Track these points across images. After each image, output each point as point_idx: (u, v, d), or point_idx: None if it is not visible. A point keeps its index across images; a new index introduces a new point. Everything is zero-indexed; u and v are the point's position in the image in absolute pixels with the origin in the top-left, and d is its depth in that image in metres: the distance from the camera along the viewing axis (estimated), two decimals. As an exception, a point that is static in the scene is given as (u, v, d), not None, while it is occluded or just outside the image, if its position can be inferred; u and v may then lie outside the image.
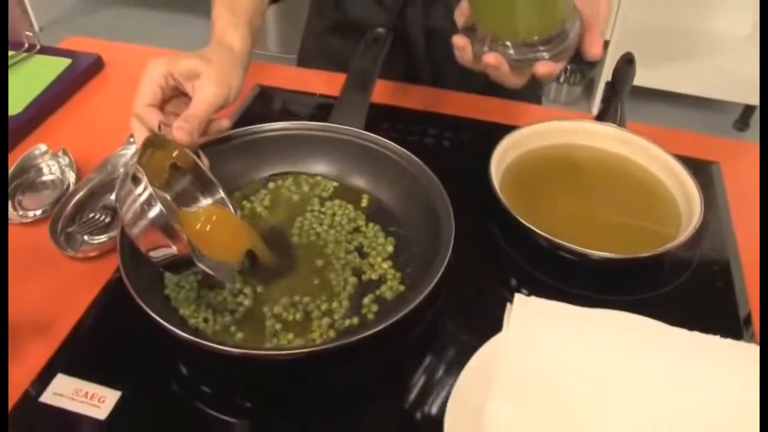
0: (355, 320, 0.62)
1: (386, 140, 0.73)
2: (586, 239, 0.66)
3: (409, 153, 0.72)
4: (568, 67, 2.53)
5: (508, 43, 0.63)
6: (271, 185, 0.75)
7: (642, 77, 2.34)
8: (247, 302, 0.63)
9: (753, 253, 0.73)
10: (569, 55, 0.65)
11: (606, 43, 2.27)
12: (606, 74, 2.31)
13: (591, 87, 2.51)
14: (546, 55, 0.63)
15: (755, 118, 2.42)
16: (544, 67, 0.64)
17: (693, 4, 2.42)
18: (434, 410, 0.56)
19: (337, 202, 0.73)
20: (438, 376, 0.59)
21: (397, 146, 0.72)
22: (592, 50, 0.66)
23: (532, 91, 1.13)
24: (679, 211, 0.74)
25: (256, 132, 0.75)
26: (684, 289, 0.70)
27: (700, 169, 0.82)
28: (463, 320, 0.65)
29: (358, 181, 0.75)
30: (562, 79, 2.53)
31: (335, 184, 0.76)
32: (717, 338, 0.60)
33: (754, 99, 2.32)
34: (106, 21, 2.98)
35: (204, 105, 0.65)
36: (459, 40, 0.65)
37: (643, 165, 0.79)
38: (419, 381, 0.59)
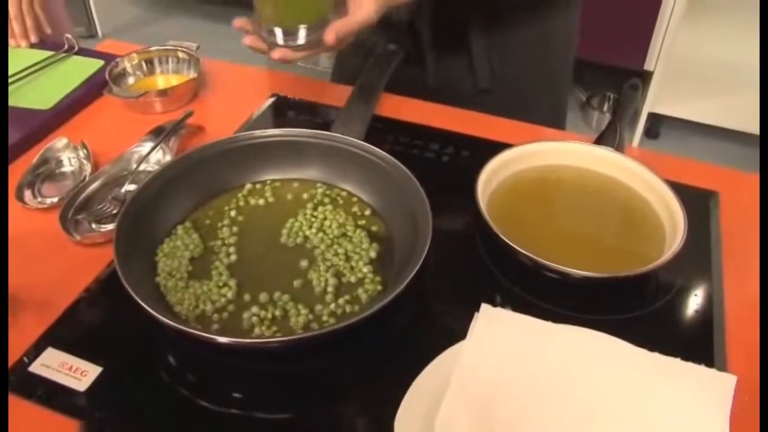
0: (331, 320, 0.65)
1: (379, 150, 0.76)
2: (569, 258, 0.68)
3: (397, 162, 0.74)
4: (610, 96, 2.52)
5: (276, 29, 0.74)
6: (267, 188, 0.79)
7: (684, 109, 2.34)
8: (229, 294, 0.66)
9: (738, 285, 0.73)
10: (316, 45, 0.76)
11: (650, 75, 2.26)
12: (649, 105, 2.30)
13: (635, 118, 2.49)
14: (302, 41, 0.75)
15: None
16: (278, 53, 0.75)
17: (736, 38, 2.38)
18: (388, 412, 0.58)
19: (329, 207, 0.76)
20: (399, 379, 0.60)
21: (388, 156, 0.75)
22: (327, 36, 0.74)
23: (556, 117, 1.14)
24: (664, 235, 0.74)
25: (257, 137, 0.79)
26: (663, 312, 0.70)
27: (698, 198, 0.83)
28: (436, 329, 0.67)
29: (350, 188, 0.79)
30: (606, 108, 2.53)
31: (328, 189, 0.79)
32: (678, 361, 0.61)
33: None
34: (168, 29, 3.11)
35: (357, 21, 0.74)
36: (236, 23, 0.77)
37: (632, 188, 0.80)
38: (381, 381, 0.62)
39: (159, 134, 0.85)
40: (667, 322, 0.69)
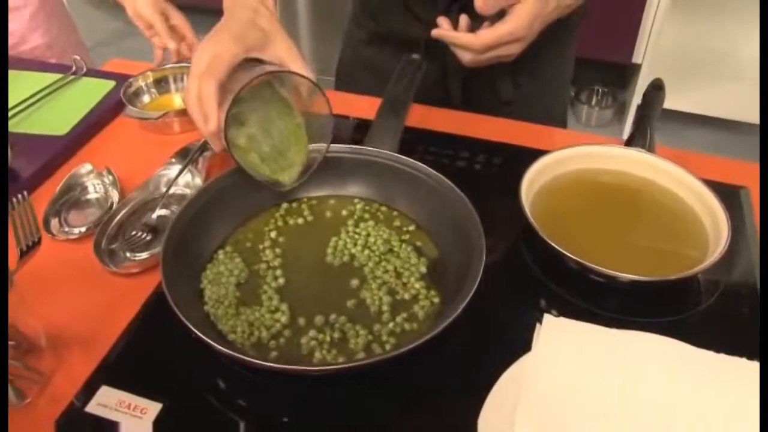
0: (391, 339, 0.64)
1: (419, 163, 0.75)
2: (614, 262, 0.67)
3: (440, 175, 0.73)
4: (599, 90, 2.54)
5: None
6: (304, 207, 0.78)
7: (672, 101, 2.36)
8: (283, 319, 0.65)
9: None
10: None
11: (638, 67, 2.28)
12: (638, 97, 2.32)
13: (623, 110, 2.51)
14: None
15: (788, 142, 2.40)
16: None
17: (722, 29, 2.42)
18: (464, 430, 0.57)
19: (370, 223, 0.75)
20: (468, 395, 0.59)
21: (430, 169, 0.74)
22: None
23: (559, 114, 1.15)
24: (707, 235, 0.74)
25: None
26: (711, 312, 0.70)
27: (728, 194, 0.83)
28: (494, 340, 0.66)
29: (392, 203, 0.78)
30: (594, 102, 2.54)
31: (367, 205, 0.78)
32: (743, 360, 0.60)
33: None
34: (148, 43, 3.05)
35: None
36: None
37: (670, 189, 0.80)
38: (449, 400, 0.61)
39: (185, 156, 0.83)
40: (715, 322, 0.69)
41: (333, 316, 0.65)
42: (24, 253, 0.58)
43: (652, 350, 0.61)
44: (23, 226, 0.58)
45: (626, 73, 2.53)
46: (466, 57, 0.81)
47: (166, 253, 0.65)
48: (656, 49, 2.20)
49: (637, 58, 2.26)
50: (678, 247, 0.75)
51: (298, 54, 0.73)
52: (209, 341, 0.57)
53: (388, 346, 0.62)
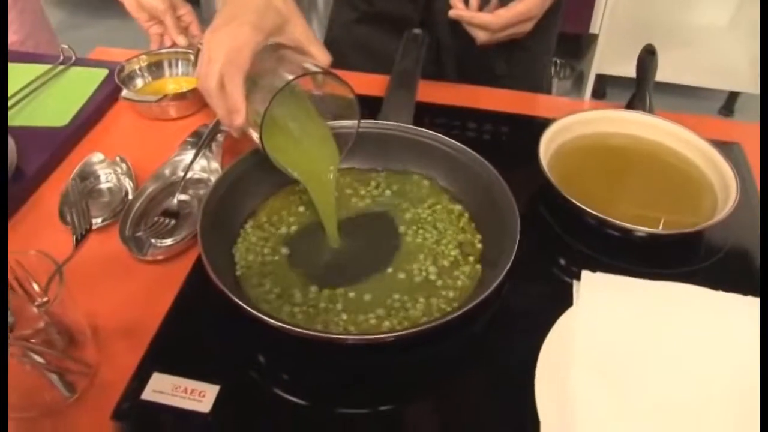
0: (441, 303, 0.65)
1: (440, 134, 0.77)
2: (630, 218, 0.70)
3: (462, 145, 0.76)
4: (558, 61, 2.58)
5: None
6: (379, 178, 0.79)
7: (628, 68, 2.42)
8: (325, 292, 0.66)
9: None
10: None
11: (594, 37, 2.34)
12: (596, 67, 2.37)
13: (581, 79, 2.56)
14: None
15: (740, 104, 2.50)
16: None
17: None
18: (519, 384, 0.59)
19: (400, 195, 0.77)
20: (518, 351, 0.61)
21: (450, 139, 0.76)
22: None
23: (546, 85, 1.18)
24: (714, 190, 0.78)
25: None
26: (722, 263, 0.74)
27: (725, 150, 0.87)
28: (530, 298, 0.69)
29: (418, 172, 0.79)
30: (552, 73, 2.59)
31: (395, 175, 0.79)
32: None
33: (738, 86, 2.40)
34: (99, 32, 2.96)
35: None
36: None
37: (674, 149, 0.83)
38: (501, 357, 0.63)
39: (198, 140, 0.82)
40: (725, 272, 0.73)
41: (387, 289, 0.66)
42: (78, 241, 0.57)
43: (683, 296, 0.65)
44: (78, 214, 0.56)
45: (581, 43, 2.58)
46: (481, 36, 0.82)
47: (203, 230, 0.65)
48: (612, 18, 2.26)
49: (594, 29, 2.32)
50: (688, 202, 0.78)
51: (314, 35, 0.71)
52: (261, 316, 0.57)
53: (446, 308, 0.64)
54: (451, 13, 0.83)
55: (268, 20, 0.67)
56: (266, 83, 0.65)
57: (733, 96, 2.50)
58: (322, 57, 0.71)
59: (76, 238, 0.57)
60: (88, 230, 0.59)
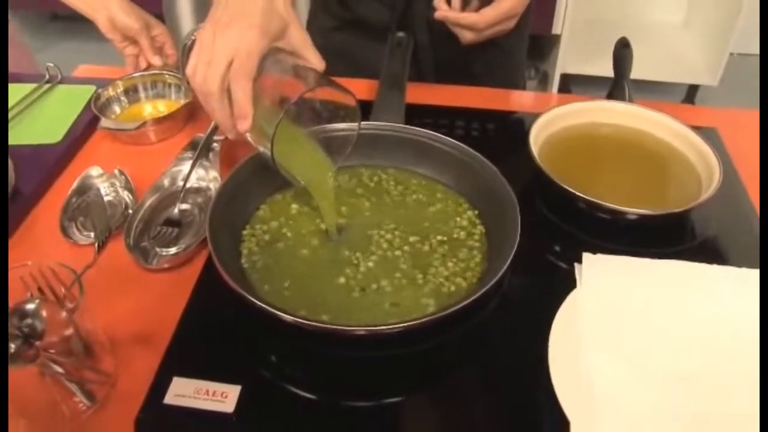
0: (452, 288, 0.68)
1: (432, 132, 0.79)
2: (621, 201, 0.73)
3: (454, 141, 0.78)
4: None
5: None
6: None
7: (592, 66, 2.49)
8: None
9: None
10: None
11: (557, 37, 2.39)
12: (561, 66, 2.43)
13: (546, 79, 2.62)
14: None
15: (700, 97, 2.58)
16: None
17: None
18: (531, 367, 0.61)
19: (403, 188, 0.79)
20: (525, 334, 0.63)
21: (443, 137, 0.79)
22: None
23: (521, 82, 1.21)
24: (698, 172, 0.81)
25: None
26: (713, 239, 0.78)
27: (704, 135, 0.91)
28: (532, 285, 0.72)
29: (416, 170, 0.81)
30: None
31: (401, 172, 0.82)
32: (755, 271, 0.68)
33: (696, 79, 2.48)
34: (63, 54, 2.92)
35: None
36: None
37: (658, 136, 0.87)
38: (510, 344, 0.65)
39: (194, 150, 0.83)
40: (713, 250, 0.76)
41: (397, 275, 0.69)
42: (100, 248, 0.57)
43: (682, 271, 0.68)
44: (100, 222, 0.57)
45: (543, 44, 2.64)
46: (468, 36, 0.84)
47: (212, 233, 0.66)
48: (573, 19, 2.31)
49: (556, 29, 2.37)
50: (675, 186, 0.82)
51: (310, 41, 0.71)
52: (277, 312, 0.59)
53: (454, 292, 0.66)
54: (437, 14, 0.85)
55: (274, 24, 0.66)
56: (269, 91, 0.66)
57: (692, 89, 2.59)
58: (317, 62, 0.71)
59: (98, 245, 0.57)
60: (108, 236, 0.60)
